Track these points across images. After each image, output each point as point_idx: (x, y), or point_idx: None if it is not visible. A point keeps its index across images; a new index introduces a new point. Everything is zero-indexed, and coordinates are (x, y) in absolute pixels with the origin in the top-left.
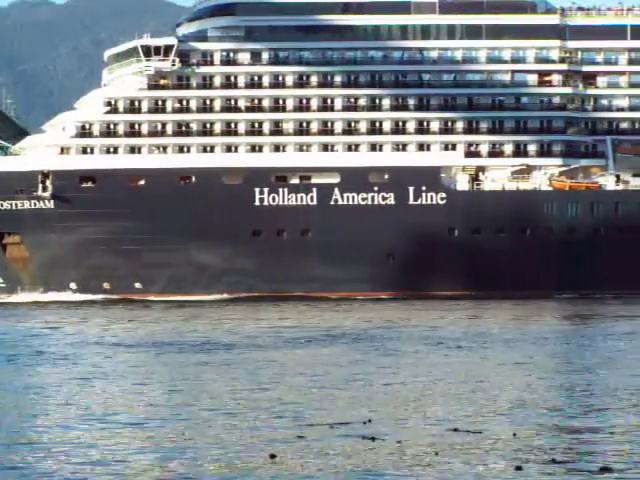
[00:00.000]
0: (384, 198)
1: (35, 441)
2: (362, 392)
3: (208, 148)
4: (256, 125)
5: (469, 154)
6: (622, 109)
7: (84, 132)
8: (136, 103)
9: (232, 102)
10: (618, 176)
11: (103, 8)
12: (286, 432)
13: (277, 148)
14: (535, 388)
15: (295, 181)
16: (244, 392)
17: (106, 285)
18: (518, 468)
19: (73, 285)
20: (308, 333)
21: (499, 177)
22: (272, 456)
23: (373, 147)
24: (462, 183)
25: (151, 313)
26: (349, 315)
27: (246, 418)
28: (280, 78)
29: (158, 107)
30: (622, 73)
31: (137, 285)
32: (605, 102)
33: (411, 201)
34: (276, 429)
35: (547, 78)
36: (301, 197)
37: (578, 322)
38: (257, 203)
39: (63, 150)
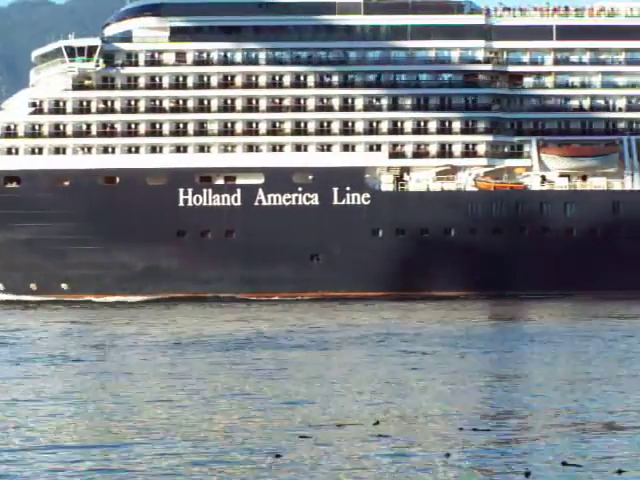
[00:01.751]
0: (308, 199)
1: None
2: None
3: (133, 149)
4: (181, 126)
5: (394, 155)
6: (548, 109)
7: (9, 133)
8: (61, 104)
9: (157, 103)
10: (544, 176)
11: (103, 8)
12: None
13: (202, 149)
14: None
15: (220, 182)
16: None
17: (33, 286)
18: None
19: (0, 286)
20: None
21: (424, 178)
22: None
23: (298, 148)
24: (386, 184)
25: (68, 312)
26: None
27: None
28: (205, 78)
29: (83, 108)
30: (548, 73)
31: (63, 286)
32: (531, 102)
33: (335, 202)
34: None
35: (472, 78)
36: (225, 198)
37: (486, 322)
38: (181, 204)
39: None
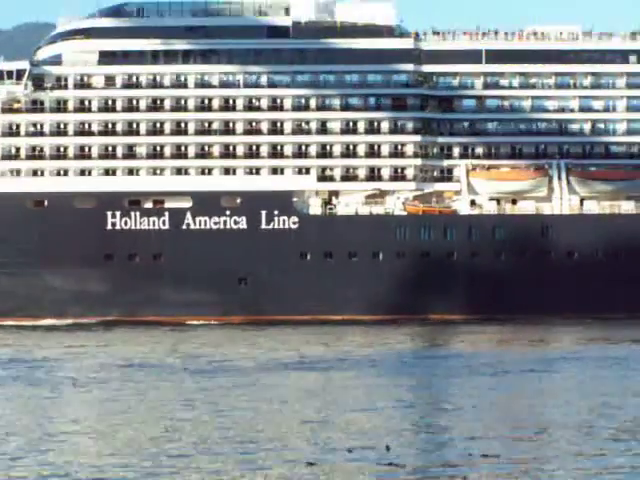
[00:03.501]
0: (236, 222)
1: None
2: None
3: (62, 172)
4: (109, 149)
5: (322, 178)
6: (477, 133)
7: None
8: None
9: (85, 126)
10: (473, 200)
11: (47, 33)
12: None
13: (131, 172)
14: None
15: (149, 205)
16: None
17: None
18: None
19: None
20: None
21: (353, 201)
22: None
23: (227, 171)
24: (315, 207)
25: None
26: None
27: None
28: (134, 102)
29: (12, 131)
30: (478, 97)
31: None
32: (460, 126)
33: (263, 225)
34: None
35: (401, 102)
36: (153, 221)
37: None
38: (109, 227)
39: None
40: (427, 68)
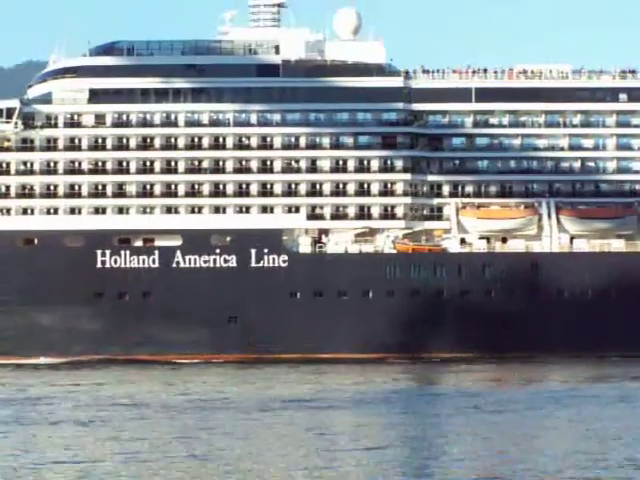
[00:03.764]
0: (226, 260)
1: None
2: None
3: (52, 210)
4: (99, 187)
5: (312, 216)
6: (467, 172)
7: None
8: None
9: (75, 164)
10: (463, 239)
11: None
12: None
13: (120, 210)
14: None
15: (138, 243)
16: None
17: None
18: None
19: None
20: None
21: (342, 240)
22: None
23: (217, 209)
24: (304, 246)
25: None
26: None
27: None
28: (124, 140)
29: (2, 169)
30: (467, 135)
31: None
32: (450, 165)
33: (253, 264)
34: None
35: (391, 140)
36: (143, 259)
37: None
38: (99, 265)
39: None
40: (417, 106)
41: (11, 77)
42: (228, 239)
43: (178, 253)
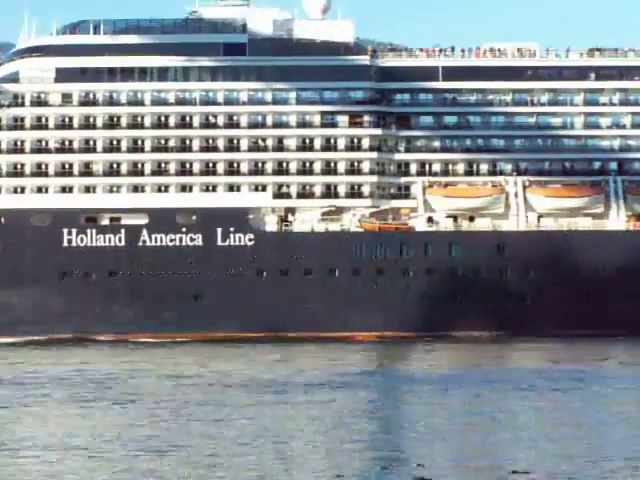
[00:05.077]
0: (192, 239)
1: None
2: None
3: (18, 189)
4: (66, 166)
5: (279, 195)
6: (434, 150)
7: None
8: None
9: (42, 143)
10: (430, 217)
11: None
12: None
13: (87, 189)
14: None
15: (105, 222)
16: None
17: None
18: None
19: None
20: None
21: (309, 218)
22: None
23: (183, 188)
24: (271, 224)
25: None
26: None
27: None
28: (90, 119)
29: None
30: (435, 114)
31: None
32: (417, 143)
33: (219, 242)
34: None
35: (358, 119)
36: (109, 238)
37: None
38: (65, 244)
39: None
40: (384, 85)
41: None
42: (194, 218)
43: (144, 232)
